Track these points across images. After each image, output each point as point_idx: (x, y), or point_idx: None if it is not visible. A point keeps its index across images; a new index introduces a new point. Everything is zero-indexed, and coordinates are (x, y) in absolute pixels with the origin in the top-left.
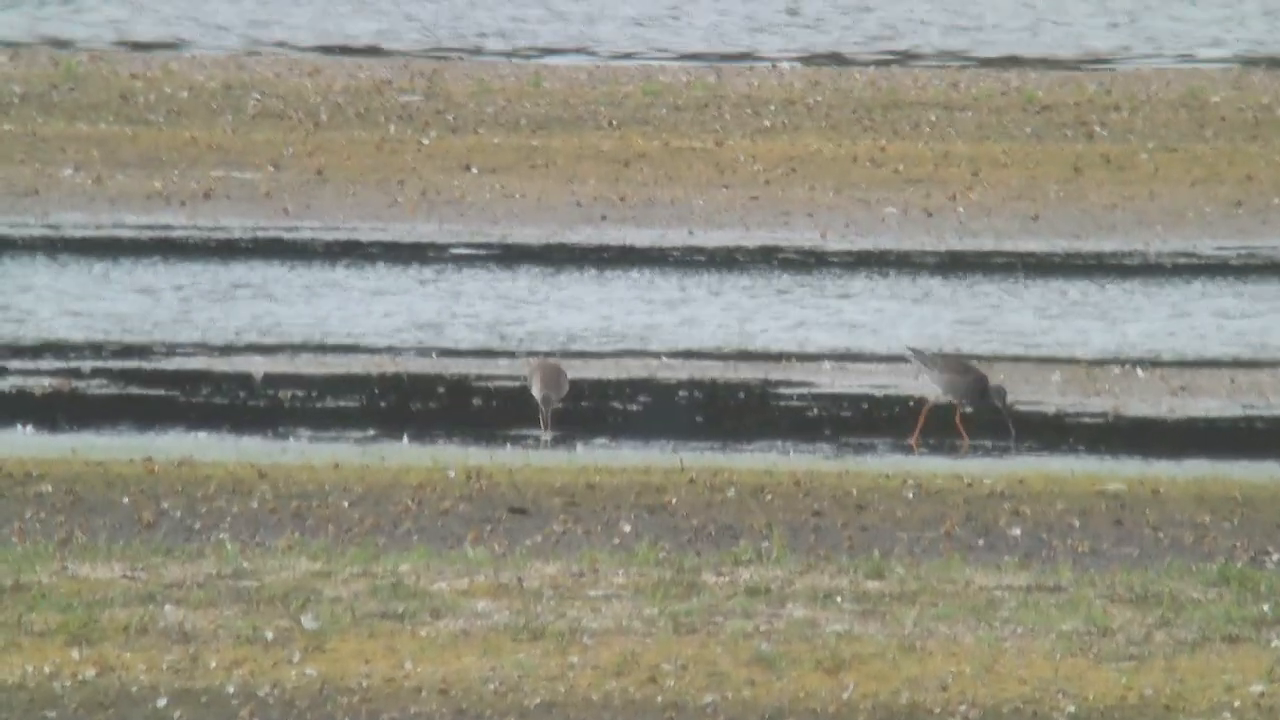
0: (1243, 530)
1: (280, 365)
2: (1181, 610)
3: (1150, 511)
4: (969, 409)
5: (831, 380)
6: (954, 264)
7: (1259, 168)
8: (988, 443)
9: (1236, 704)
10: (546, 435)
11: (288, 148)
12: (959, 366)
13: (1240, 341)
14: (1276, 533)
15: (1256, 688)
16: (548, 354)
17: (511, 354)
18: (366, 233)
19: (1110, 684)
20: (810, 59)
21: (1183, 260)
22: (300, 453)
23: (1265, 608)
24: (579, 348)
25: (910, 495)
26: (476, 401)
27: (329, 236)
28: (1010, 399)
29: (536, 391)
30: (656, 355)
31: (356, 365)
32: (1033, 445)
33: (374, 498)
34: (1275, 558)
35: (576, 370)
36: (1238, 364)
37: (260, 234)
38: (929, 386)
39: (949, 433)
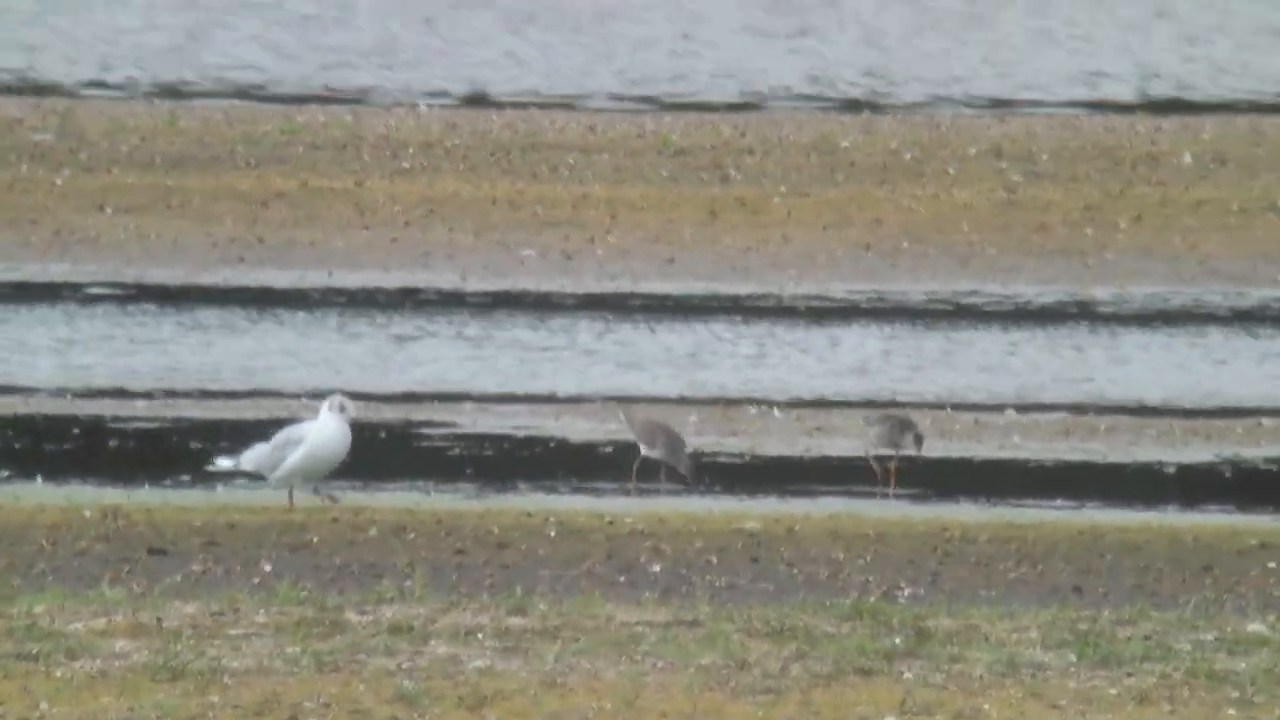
0: (875, 566)
1: None
2: (816, 644)
3: (786, 548)
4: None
5: (473, 421)
6: (592, 305)
7: (887, 211)
8: (629, 485)
9: None
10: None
11: None
12: (881, 417)
13: (873, 384)
14: (907, 568)
15: (889, 719)
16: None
17: (148, 395)
18: None
19: (747, 716)
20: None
21: (816, 303)
22: None
23: (896, 640)
24: (217, 387)
25: (552, 533)
26: (113, 442)
27: None
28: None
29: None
30: (296, 396)
31: None
32: (671, 485)
33: (7, 538)
34: (906, 592)
35: (214, 410)
36: (872, 405)
37: None
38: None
39: (593, 474)
